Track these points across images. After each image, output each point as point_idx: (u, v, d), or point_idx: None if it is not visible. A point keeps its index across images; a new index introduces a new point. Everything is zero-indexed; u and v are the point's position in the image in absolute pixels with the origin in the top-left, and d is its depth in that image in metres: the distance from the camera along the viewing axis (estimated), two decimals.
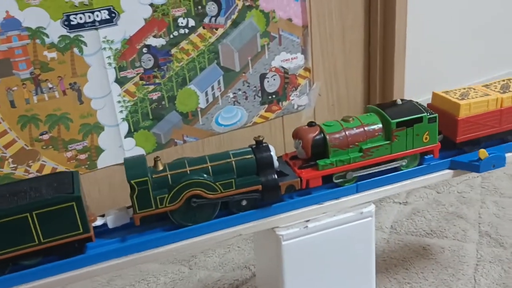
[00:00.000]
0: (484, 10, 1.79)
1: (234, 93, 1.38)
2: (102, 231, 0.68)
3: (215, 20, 1.29)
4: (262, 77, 1.40)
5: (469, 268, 1.02)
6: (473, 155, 0.76)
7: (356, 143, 0.71)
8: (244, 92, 1.39)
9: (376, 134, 0.73)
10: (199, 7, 1.25)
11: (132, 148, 1.27)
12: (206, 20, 1.27)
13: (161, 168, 0.65)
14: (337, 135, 0.71)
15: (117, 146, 1.25)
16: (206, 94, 1.34)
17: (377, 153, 0.72)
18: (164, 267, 1.10)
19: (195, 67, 1.30)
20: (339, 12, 1.47)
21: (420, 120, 0.73)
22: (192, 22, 1.25)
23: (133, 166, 0.64)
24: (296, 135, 0.72)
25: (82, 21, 1.11)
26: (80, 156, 1.19)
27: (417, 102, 0.77)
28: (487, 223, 1.15)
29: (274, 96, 1.45)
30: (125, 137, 1.25)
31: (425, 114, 0.74)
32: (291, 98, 1.47)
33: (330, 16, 1.46)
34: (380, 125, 0.73)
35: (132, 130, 1.26)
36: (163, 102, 1.28)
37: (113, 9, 1.15)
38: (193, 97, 1.32)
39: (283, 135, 1.54)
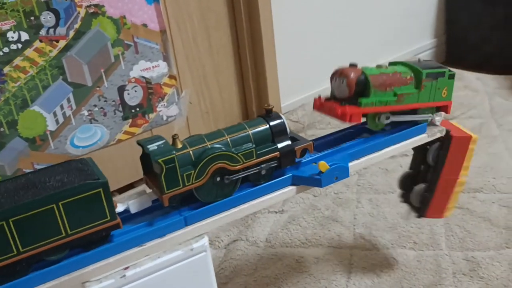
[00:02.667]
0: (350, 5, 1.79)
1: (89, 110, 1.24)
2: (124, 217, 0.63)
3: (54, 31, 1.14)
4: (121, 89, 1.28)
5: (342, 278, 0.97)
6: (313, 168, 0.69)
7: (392, 87, 0.75)
8: (102, 108, 1.26)
9: (408, 82, 0.77)
10: (32, 18, 1.09)
11: None
12: (43, 32, 1.12)
13: (180, 145, 0.63)
14: (377, 77, 0.74)
15: None
16: (55, 115, 1.19)
17: (407, 99, 0.77)
18: None
19: (37, 86, 1.14)
20: (200, 13, 1.38)
21: (443, 74, 0.79)
22: (25, 36, 1.10)
23: (156, 146, 0.62)
24: (340, 74, 0.74)
25: None
26: None
27: (434, 61, 0.85)
28: (361, 224, 1.11)
29: (138, 109, 1.33)
30: None
31: (447, 69, 0.79)
32: (158, 109, 1.36)
33: (190, 19, 1.37)
34: (412, 74, 0.78)
35: None
36: (1, 129, 1.11)
37: None
38: (39, 119, 1.17)
39: None
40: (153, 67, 1.32)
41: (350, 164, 0.73)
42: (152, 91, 1.33)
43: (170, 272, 0.61)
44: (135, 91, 1.30)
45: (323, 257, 1.03)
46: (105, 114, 1.27)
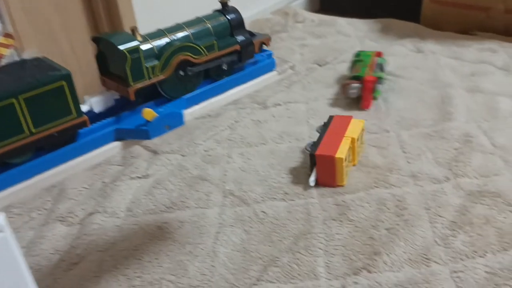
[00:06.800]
0: None
1: None
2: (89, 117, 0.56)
3: None
4: None
5: (209, 239, 0.89)
6: (140, 119, 0.58)
7: None
8: None
9: None
10: None
11: None
12: None
13: (140, 38, 0.59)
14: None
15: None
16: None
17: None
18: None
19: None
20: None
21: None
22: None
23: (118, 37, 0.57)
24: None
25: None
26: None
27: None
28: (231, 180, 1.03)
29: None
30: None
31: None
32: None
33: None
34: None
35: None
36: None
37: None
38: None
39: None
40: None
41: (189, 110, 0.63)
42: None
43: None
44: None
45: (189, 219, 0.94)
46: None
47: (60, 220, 0.97)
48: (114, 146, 0.58)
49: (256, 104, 1.32)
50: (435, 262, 0.80)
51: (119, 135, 0.58)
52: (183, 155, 1.14)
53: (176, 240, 0.89)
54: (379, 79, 1.25)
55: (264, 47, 0.84)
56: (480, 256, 0.80)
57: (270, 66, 0.71)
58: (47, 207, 1.01)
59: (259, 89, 1.23)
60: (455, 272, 0.78)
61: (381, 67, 1.32)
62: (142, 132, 0.57)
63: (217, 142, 1.18)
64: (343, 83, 1.25)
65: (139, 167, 1.10)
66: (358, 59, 1.34)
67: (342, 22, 1.80)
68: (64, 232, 0.94)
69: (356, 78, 1.24)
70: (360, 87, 1.22)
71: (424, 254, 0.81)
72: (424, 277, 0.77)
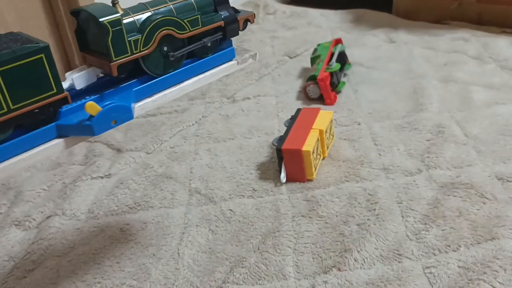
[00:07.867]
0: None
1: None
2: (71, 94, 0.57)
3: None
4: None
5: (174, 240, 0.84)
6: (84, 113, 0.54)
7: None
8: None
9: None
10: None
11: None
12: None
13: (121, 12, 0.59)
14: None
15: None
16: None
17: None
18: None
19: None
20: None
21: None
22: None
23: (98, 9, 0.56)
24: None
25: None
26: None
27: None
28: (198, 178, 0.99)
29: None
30: None
31: None
32: None
33: None
34: None
35: None
36: None
37: None
38: None
39: None
40: None
41: (139, 104, 0.58)
42: None
43: None
44: None
45: (153, 220, 0.89)
46: None
47: (16, 225, 0.92)
48: (56, 143, 0.53)
49: (225, 98, 1.28)
50: (407, 257, 0.77)
51: (61, 132, 0.53)
52: (147, 153, 1.09)
53: (138, 242, 0.85)
54: (335, 73, 1.22)
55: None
56: (453, 250, 0.78)
57: (228, 55, 0.66)
58: (2, 210, 0.96)
59: (215, 81, 1.20)
60: (427, 267, 0.75)
61: (340, 57, 1.29)
62: (86, 128, 0.52)
63: (183, 138, 1.14)
64: (304, 86, 1.24)
65: (101, 166, 1.05)
66: (316, 55, 1.32)
67: (314, 13, 1.76)
68: (19, 237, 0.89)
69: (313, 78, 1.21)
70: (317, 86, 1.20)
71: (396, 250, 0.78)
72: (396, 274, 0.74)
